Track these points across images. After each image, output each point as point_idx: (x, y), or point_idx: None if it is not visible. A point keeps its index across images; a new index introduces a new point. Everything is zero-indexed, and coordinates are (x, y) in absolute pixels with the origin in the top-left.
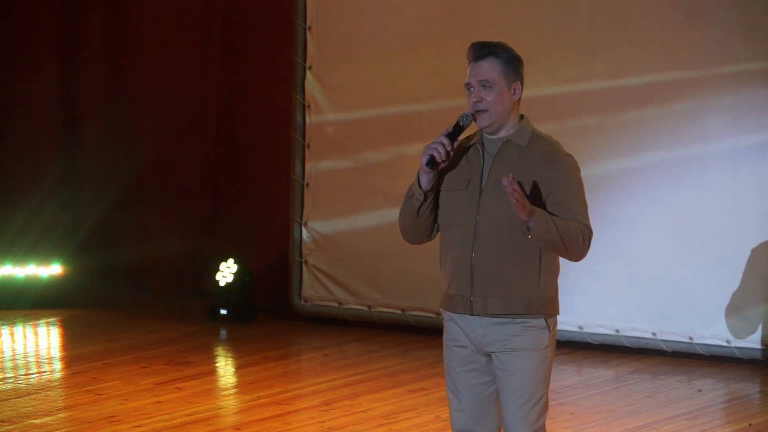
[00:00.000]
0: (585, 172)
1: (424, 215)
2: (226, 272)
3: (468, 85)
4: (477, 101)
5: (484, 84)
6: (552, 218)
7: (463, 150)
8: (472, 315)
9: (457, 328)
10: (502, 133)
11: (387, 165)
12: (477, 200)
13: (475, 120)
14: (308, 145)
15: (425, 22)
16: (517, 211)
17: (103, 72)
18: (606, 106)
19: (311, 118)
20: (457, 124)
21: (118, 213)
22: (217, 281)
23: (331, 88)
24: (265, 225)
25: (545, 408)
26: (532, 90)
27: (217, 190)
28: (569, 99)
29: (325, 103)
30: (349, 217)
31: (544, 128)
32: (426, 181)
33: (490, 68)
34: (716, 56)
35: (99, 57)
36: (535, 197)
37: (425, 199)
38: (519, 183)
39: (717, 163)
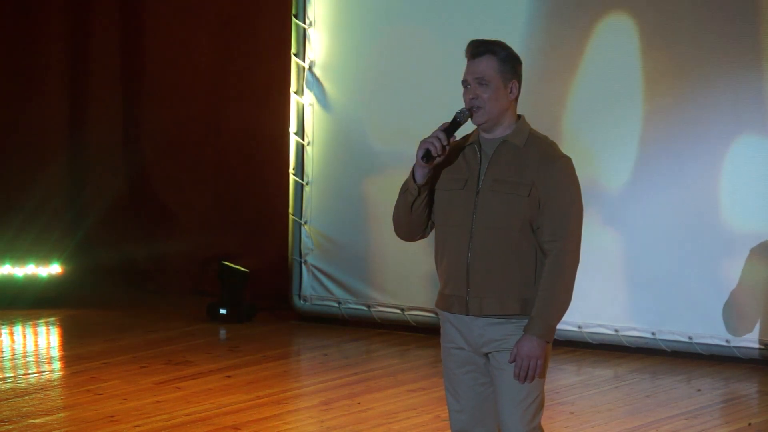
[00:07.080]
0: (583, 173)
1: (418, 210)
2: (226, 272)
3: (464, 82)
4: (473, 98)
5: (481, 81)
6: (544, 311)
7: (461, 150)
8: (468, 315)
9: (454, 329)
10: (499, 133)
11: (387, 164)
12: (474, 200)
13: (471, 117)
14: (308, 145)
15: (426, 20)
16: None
17: (104, 73)
18: (603, 106)
19: (311, 118)
20: (454, 119)
21: (118, 213)
22: (217, 281)
23: (331, 88)
24: (265, 225)
25: (541, 407)
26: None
27: (217, 190)
28: (567, 97)
29: (325, 103)
30: (349, 217)
31: (539, 126)
32: (421, 175)
33: (486, 66)
34: (716, 54)
35: (101, 58)
36: (530, 198)
37: (419, 194)
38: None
39: (716, 163)
